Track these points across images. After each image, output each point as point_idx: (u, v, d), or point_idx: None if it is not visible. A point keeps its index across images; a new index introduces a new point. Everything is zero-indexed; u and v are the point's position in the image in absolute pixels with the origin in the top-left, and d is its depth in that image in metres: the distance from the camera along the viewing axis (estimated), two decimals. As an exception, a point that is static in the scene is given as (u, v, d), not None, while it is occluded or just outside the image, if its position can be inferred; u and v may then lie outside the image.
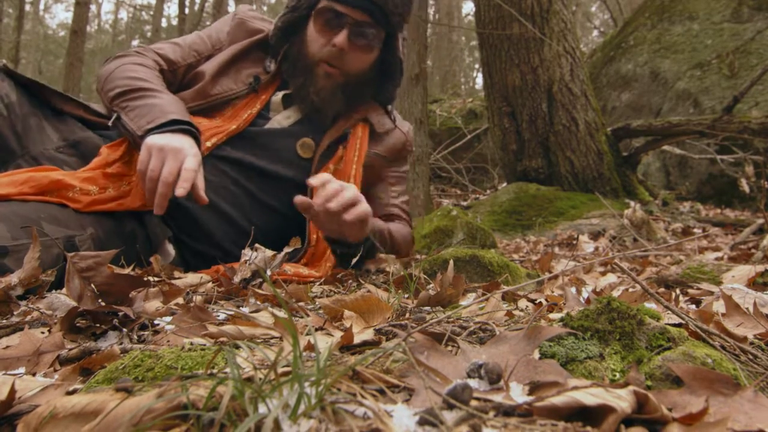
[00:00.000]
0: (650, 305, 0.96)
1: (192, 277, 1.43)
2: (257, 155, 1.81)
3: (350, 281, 1.52)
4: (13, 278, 0.98)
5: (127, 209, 1.61)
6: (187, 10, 21.44)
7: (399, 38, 1.93)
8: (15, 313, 0.96)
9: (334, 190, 1.54)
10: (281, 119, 1.88)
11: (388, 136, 2.03)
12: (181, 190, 1.47)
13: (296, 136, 1.88)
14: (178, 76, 1.92)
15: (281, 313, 0.99)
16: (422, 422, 0.47)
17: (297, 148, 1.86)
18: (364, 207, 1.58)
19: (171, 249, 1.73)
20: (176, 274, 1.48)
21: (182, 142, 1.53)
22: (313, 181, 1.57)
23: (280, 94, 1.90)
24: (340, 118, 1.92)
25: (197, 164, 1.52)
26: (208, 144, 1.74)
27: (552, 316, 0.93)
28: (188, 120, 1.61)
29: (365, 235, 1.65)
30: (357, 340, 0.76)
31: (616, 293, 1.31)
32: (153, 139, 1.51)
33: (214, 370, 0.62)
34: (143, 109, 1.61)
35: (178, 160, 1.49)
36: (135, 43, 32.63)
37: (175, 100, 1.70)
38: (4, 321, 0.91)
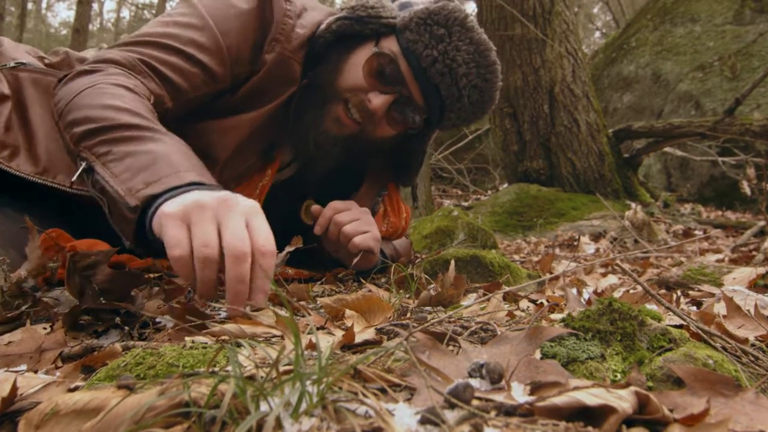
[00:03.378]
0: (651, 306, 0.96)
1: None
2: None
3: (351, 281, 1.52)
4: (22, 271, 0.98)
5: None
6: (189, 10, 21.45)
7: (435, 131, 1.65)
8: (26, 306, 0.96)
9: (345, 208, 1.45)
10: (285, 170, 1.56)
11: None
12: (260, 297, 0.92)
13: (297, 192, 1.57)
14: (170, 112, 1.32)
15: (283, 312, 0.99)
16: (424, 421, 0.47)
17: (302, 215, 1.55)
18: (371, 236, 1.46)
19: None
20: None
21: (222, 193, 0.97)
22: (317, 228, 1.45)
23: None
24: (365, 179, 1.66)
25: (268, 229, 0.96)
26: None
27: (553, 316, 0.93)
28: (212, 182, 1.04)
29: (371, 265, 1.51)
30: (358, 339, 0.76)
31: (617, 294, 1.31)
32: (172, 206, 0.93)
33: (216, 368, 0.62)
34: (137, 159, 1.03)
35: (240, 217, 0.92)
36: (137, 41, 32.62)
37: (181, 145, 1.12)
38: (8, 315, 0.91)
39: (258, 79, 1.40)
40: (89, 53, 1.68)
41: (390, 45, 1.41)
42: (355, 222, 1.47)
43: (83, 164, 1.09)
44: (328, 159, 1.49)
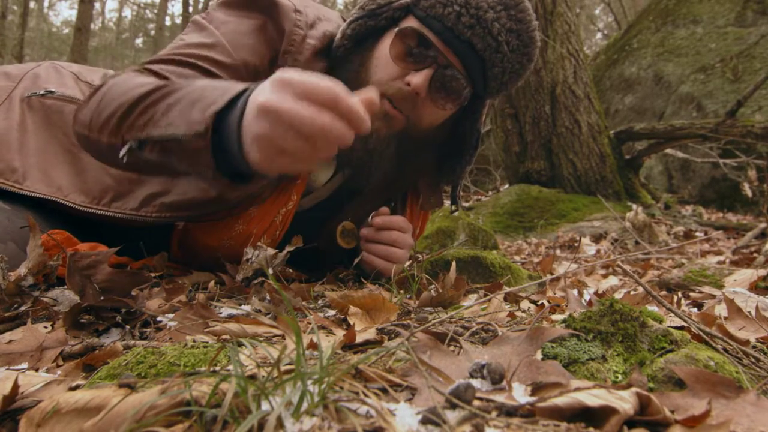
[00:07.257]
0: (652, 308, 0.95)
1: (195, 276, 1.44)
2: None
3: (352, 281, 1.52)
4: (22, 269, 0.98)
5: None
6: (191, 9, 21.48)
7: (486, 104, 1.51)
8: (25, 306, 0.96)
9: (398, 226, 1.45)
10: (314, 194, 1.49)
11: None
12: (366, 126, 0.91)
13: (333, 216, 1.54)
14: None
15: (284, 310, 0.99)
16: (425, 421, 0.47)
17: (338, 238, 1.52)
18: (397, 268, 1.45)
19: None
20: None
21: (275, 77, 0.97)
22: (378, 220, 1.43)
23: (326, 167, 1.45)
24: (385, 184, 1.54)
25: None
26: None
27: (554, 317, 0.93)
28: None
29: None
30: (360, 339, 0.76)
31: (618, 295, 1.31)
32: (257, 99, 0.94)
33: (217, 368, 0.63)
34: (182, 103, 1.05)
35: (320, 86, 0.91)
36: (139, 41, 32.72)
37: (211, 80, 1.17)
38: (7, 315, 0.91)
39: None
40: None
41: (409, 23, 1.32)
42: (401, 251, 1.45)
43: (128, 144, 1.10)
44: (382, 162, 1.40)
